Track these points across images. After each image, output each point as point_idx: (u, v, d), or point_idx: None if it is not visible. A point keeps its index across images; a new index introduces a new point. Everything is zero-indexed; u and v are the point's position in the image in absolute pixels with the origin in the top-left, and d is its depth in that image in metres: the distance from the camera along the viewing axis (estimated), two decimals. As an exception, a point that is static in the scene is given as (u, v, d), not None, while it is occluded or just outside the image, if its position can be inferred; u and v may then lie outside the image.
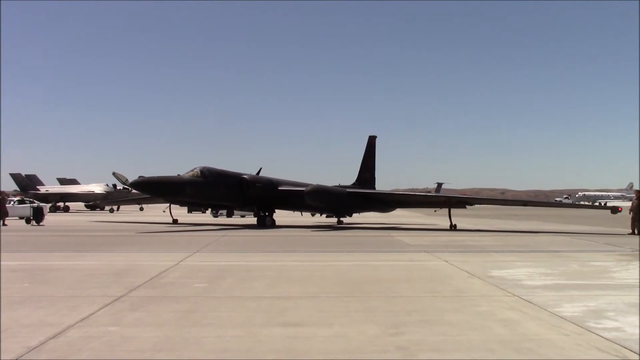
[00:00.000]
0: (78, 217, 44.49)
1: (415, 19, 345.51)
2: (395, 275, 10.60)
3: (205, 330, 6.17)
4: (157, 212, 52.27)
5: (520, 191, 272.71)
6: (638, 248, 16.37)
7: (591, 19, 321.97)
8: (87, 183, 64.22)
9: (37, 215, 30.47)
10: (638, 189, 24.99)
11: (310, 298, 8.13)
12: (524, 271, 11.16)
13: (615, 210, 27.94)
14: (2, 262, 12.01)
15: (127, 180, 31.98)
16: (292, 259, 13.55)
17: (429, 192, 69.58)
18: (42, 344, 5.57)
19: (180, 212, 32.10)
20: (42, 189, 60.37)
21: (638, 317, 6.82)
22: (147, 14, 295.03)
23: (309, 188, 29.25)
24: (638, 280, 9.92)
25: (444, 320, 6.66)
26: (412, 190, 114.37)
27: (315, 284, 9.46)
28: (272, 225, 29.55)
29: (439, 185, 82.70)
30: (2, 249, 14.85)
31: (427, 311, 7.20)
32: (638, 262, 12.72)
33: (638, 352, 5.36)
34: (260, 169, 31.69)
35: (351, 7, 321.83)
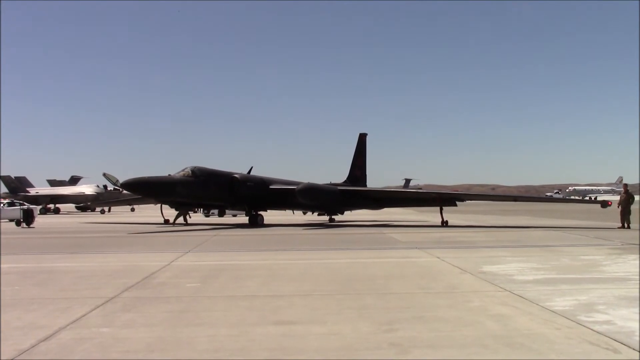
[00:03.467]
0: (69, 218, 44.23)
1: (405, 17, 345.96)
2: (387, 272, 10.62)
3: (198, 330, 6.15)
4: (149, 212, 52.04)
5: (511, 187, 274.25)
6: (632, 242, 16.45)
7: (584, 16, 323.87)
8: (78, 184, 63.90)
9: (27, 218, 30.26)
10: (627, 183, 25.13)
11: (303, 296, 8.13)
12: (515, 266, 11.21)
13: (605, 204, 28.14)
14: None
15: (117, 181, 31.81)
16: (285, 258, 13.52)
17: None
18: (33, 346, 5.54)
19: (173, 213, 31.94)
20: (32, 191, 59.92)
21: (628, 310, 6.87)
22: (141, 14, 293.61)
23: (300, 186, 29.22)
24: (629, 274, 9.99)
25: (437, 317, 6.68)
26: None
27: (308, 282, 9.46)
28: (262, 223, 29.57)
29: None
30: None
31: (420, 307, 7.22)
32: (634, 255, 12.79)
33: (632, 345, 5.39)
34: (252, 167, 31.69)
35: (345, 6, 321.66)
